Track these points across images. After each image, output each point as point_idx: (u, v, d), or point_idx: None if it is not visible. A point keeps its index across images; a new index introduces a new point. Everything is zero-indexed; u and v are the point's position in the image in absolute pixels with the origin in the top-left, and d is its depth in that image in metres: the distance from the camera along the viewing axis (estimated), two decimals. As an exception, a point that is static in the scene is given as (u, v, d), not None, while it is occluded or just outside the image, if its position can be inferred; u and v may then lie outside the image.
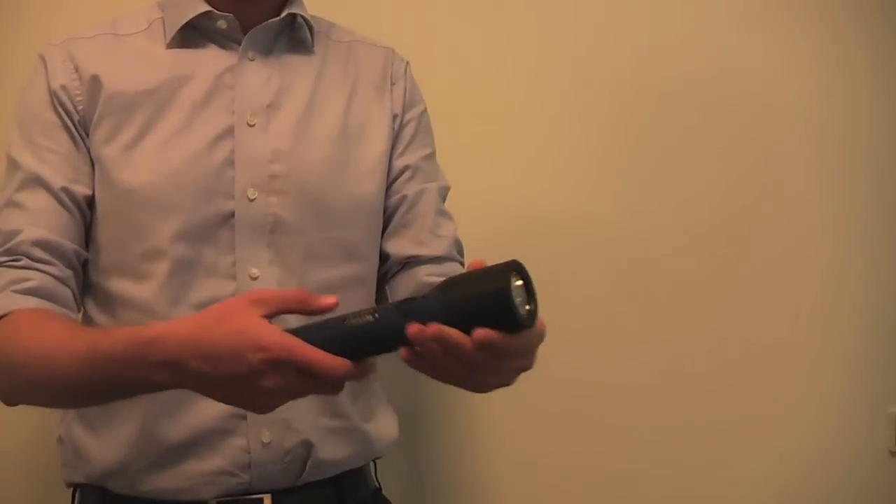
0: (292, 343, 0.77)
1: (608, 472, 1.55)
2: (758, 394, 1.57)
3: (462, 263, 1.16)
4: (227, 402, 0.84)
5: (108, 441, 1.05)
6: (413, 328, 0.75)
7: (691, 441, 1.56)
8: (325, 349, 0.77)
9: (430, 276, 1.11)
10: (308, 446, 1.05)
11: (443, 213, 1.17)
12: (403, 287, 1.13)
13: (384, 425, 1.15)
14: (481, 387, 0.84)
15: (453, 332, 0.74)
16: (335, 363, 0.77)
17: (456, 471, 1.54)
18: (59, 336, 0.92)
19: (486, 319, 0.74)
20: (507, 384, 0.84)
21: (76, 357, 0.88)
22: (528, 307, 0.76)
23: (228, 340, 0.79)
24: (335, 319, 0.80)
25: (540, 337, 0.81)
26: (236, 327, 0.79)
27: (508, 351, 0.76)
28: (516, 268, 0.76)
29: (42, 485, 1.40)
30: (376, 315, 0.78)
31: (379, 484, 1.21)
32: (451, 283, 0.77)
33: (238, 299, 0.83)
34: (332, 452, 1.07)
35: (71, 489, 1.12)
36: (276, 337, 0.78)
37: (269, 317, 0.80)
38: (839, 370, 1.58)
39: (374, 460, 1.18)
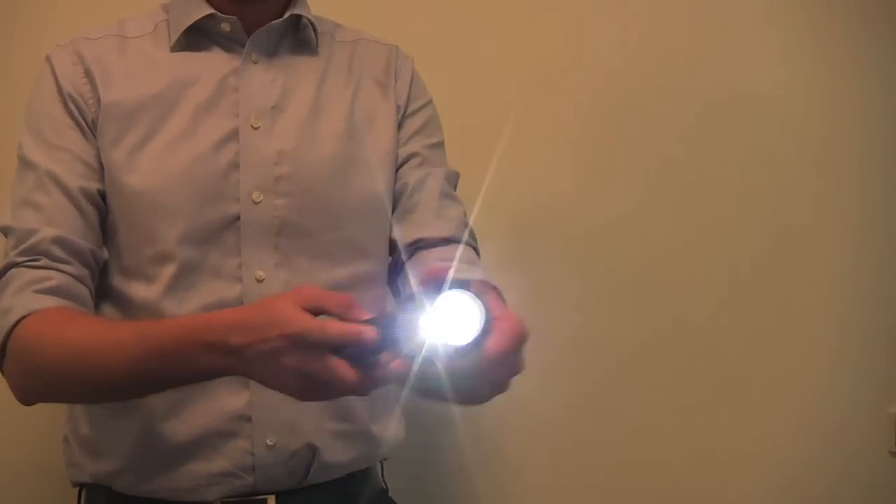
0: (312, 324, 0.79)
1: (612, 472, 1.56)
2: (757, 394, 1.57)
3: (475, 248, 1.14)
4: (276, 388, 0.84)
5: (112, 441, 1.05)
6: (383, 360, 0.79)
7: (690, 442, 1.56)
8: None
9: (437, 261, 1.08)
10: (313, 449, 1.05)
11: (448, 196, 1.15)
12: (413, 276, 1.10)
13: (391, 427, 1.15)
14: (473, 398, 0.85)
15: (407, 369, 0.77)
16: (361, 331, 0.78)
17: (464, 472, 1.54)
18: (98, 329, 0.94)
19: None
20: (501, 391, 0.84)
21: (123, 346, 0.89)
22: (466, 330, 0.76)
23: (256, 316, 0.82)
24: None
25: (515, 342, 0.80)
26: (265, 304, 0.83)
27: (467, 374, 0.78)
28: (445, 291, 0.77)
29: (48, 484, 1.40)
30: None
31: (386, 485, 1.21)
32: (382, 320, 0.79)
33: (285, 292, 0.84)
34: (338, 455, 1.07)
35: (77, 489, 1.12)
36: (295, 316, 0.80)
37: (309, 309, 0.81)
38: (839, 370, 1.59)
39: (381, 461, 1.18)
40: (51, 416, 1.28)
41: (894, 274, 1.60)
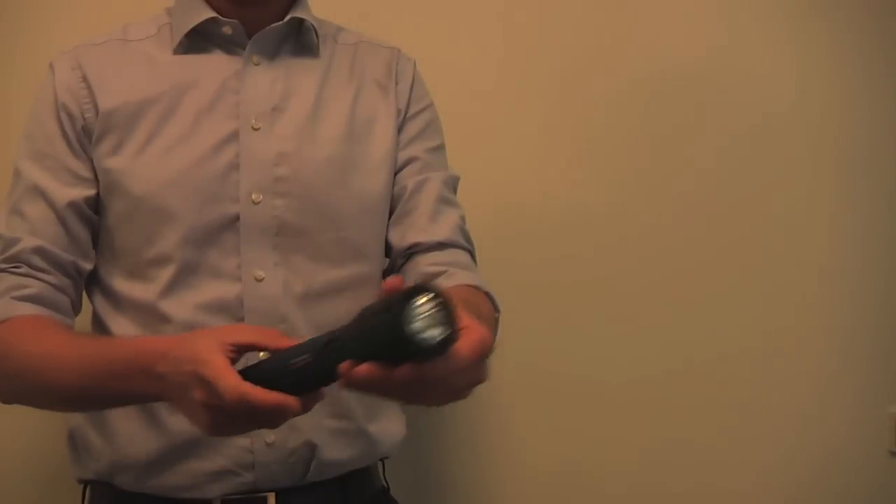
0: (222, 367, 0.79)
1: (614, 472, 1.56)
2: (757, 394, 1.57)
3: (471, 252, 1.15)
4: (189, 418, 0.85)
5: (112, 438, 1.06)
6: (344, 368, 0.73)
7: (690, 441, 1.56)
8: (270, 388, 0.79)
9: (431, 265, 1.10)
10: (312, 447, 1.06)
11: (445, 201, 1.16)
12: (409, 281, 1.11)
13: (391, 425, 1.15)
14: (432, 403, 0.81)
15: (376, 374, 0.71)
16: (267, 397, 0.78)
17: (465, 470, 1.54)
18: (56, 345, 0.98)
19: (394, 352, 0.71)
20: (461, 398, 0.80)
21: (76, 364, 0.95)
22: (435, 332, 0.70)
23: (178, 348, 0.85)
24: (280, 359, 0.81)
25: (479, 351, 0.75)
26: (189, 339, 0.85)
27: (434, 379, 0.72)
28: (412, 294, 0.70)
29: (51, 484, 1.41)
30: (312, 355, 0.78)
31: (387, 483, 1.21)
32: (362, 314, 0.74)
33: (217, 327, 0.91)
34: (337, 453, 1.08)
35: (81, 486, 1.13)
36: (210, 356, 0.80)
37: (237, 349, 0.82)
38: (839, 370, 1.59)
39: (382, 460, 1.18)
40: (53, 416, 1.29)
41: (895, 273, 1.60)
